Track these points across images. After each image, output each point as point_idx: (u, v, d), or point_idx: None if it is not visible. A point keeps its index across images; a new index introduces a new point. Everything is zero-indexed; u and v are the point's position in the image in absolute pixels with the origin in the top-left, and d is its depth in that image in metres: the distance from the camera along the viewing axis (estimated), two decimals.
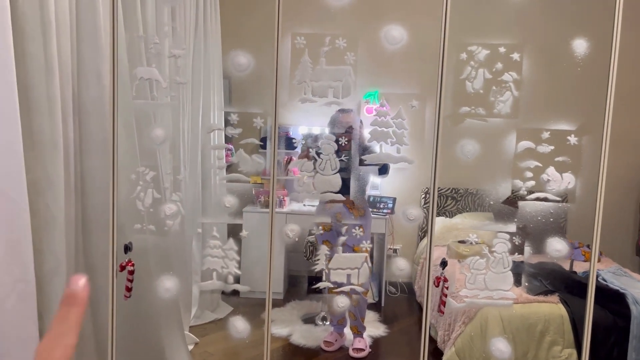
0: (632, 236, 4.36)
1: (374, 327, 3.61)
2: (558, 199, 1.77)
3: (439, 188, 4.34)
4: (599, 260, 3.63)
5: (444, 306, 1.87)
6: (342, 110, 2.82)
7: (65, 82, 2.00)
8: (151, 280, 2.01)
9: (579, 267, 3.37)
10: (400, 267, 1.92)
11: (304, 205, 4.10)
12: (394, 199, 4.09)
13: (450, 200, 4.38)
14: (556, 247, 1.77)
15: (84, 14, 2.07)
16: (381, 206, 4.06)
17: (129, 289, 1.96)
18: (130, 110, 2.20)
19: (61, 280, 2.00)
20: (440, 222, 4.17)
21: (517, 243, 1.81)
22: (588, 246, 3.79)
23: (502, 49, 1.77)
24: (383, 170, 2.82)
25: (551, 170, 1.78)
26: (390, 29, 1.78)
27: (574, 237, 3.95)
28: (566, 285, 2.93)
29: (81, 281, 0.50)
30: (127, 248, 1.93)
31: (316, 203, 3.34)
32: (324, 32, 1.81)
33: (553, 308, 2.76)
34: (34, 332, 1.85)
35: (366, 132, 1.95)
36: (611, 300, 2.80)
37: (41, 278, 1.95)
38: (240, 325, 1.99)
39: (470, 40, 1.80)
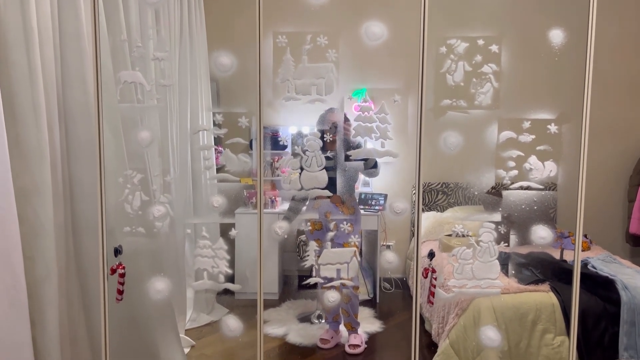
0: (621, 224, 4.40)
1: (369, 323, 3.62)
2: (541, 187, 1.80)
3: (429, 183, 4.40)
4: (589, 249, 3.68)
5: (433, 297, 1.89)
6: (330, 109, 2.84)
7: (49, 89, 2.01)
8: (143, 282, 2.02)
9: (570, 256, 3.39)
10: (388, 259, 1.94)
11: None
12: (385, 196, 4.12)
13: (441, 195, 4.40)
14: (540, 234, 1.80)
15: (66, 20, 2.08)
16: (373, 203, 4.09)
17: (120, 292, 1.97)
18: (116, 114, 2.21)
19: (52, 286, 2.01)
20: (432, 216, 4.19)
21: (502, 232, 1.83)
22: (585, 236, 3.83)
23: (480, 42, 1.79)
24: (372, 168, 2.84)
25: (533, 159, 1.81)
26: (370, 25, 1.80)
27: (564, 227, 3.98)
28: (556, 274, 2.95)
29: None
30: (117, 251, 1.94)
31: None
32: (305, 30, 1.82)
33: (544, 297, 2.79)
34: (27, 338, 1.86)
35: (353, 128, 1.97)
36: (601, 287, 2.83)
37: (32, 284, 1.95)
38: (233, 323, 2.00)
39: (449, 34, 1.82)
